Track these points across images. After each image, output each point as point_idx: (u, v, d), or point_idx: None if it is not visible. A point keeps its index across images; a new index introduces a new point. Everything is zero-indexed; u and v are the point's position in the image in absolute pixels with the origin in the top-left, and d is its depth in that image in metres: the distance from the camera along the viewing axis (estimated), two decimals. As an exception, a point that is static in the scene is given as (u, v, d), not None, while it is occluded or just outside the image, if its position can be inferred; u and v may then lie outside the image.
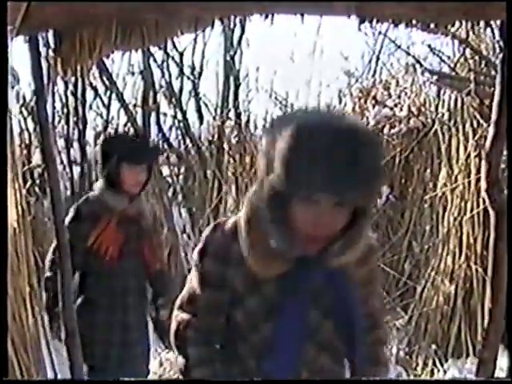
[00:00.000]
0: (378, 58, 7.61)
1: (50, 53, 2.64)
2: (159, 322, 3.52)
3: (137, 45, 2.38)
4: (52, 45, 2.67)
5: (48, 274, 3.36)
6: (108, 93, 8.15)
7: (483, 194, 2.54)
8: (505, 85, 2.43)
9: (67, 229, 2.99)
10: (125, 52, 2.50)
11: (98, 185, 3.34)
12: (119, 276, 3.31)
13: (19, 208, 2.55)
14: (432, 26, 2.28)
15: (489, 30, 4.55)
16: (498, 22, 2.52)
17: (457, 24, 2.60)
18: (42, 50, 3.32)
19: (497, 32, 2.80)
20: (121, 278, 3.32)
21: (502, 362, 2.74)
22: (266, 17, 2.24)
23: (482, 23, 2.93)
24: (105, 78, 6.53)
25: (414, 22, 2.19)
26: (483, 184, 2.51)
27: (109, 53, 2.44)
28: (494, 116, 2.47)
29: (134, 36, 2.37)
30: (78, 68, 2.65)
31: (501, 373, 2.76)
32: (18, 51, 2.88)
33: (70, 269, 2.57)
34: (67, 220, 3.14)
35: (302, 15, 2.31)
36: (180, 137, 7.37)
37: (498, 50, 2.63)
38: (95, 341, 3.12)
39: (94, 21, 2.35)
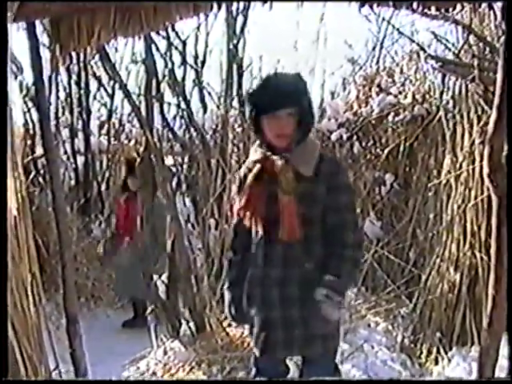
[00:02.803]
0: (381, 46, 7.58)
1: (49, 40, 2.63)
2: None
3: (135, 30, 2.36)
4: (50, 32, 2.65)
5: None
6: (111, 83, 8.16)
7: (485, 178, 2.52)
8: (505, 70, 2.41)
9: None
10: (124, 38, 2.48)
11: None
12: None
13: (19, 196, 2.54)
14: (433, 10, 2.25)
15: (492, 13, 4.51)
16: (500, 4, 2.50)
17: (459, 8, 2.55)
18: (42, 37, 3.31)
19: (499, 14, 2.78)
20: None
21: (505, 349, 2.72)
22: (265, 2, 2.21)
23: (483, 5, 2.89)
24: (108, 68, 6.51)
25: (414, 5, 2.17)
26: (485, 169, 2.49)
27: (107, 39, 2.42)
28: (496, 100, 2.44)
29: (132, 21, 2.35)
30: (78, 55, 2.63)
31: (504, 360, 2.74)
32: (19, 40, 2.86)
33: (71, 257, 2.56)
34: None
35: (302, 0, 2.29)
36: (184, 126, 7.36)
37: (500, 34, 2.61)
38: None
39: (91, 6, 2.33)
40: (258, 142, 3.00)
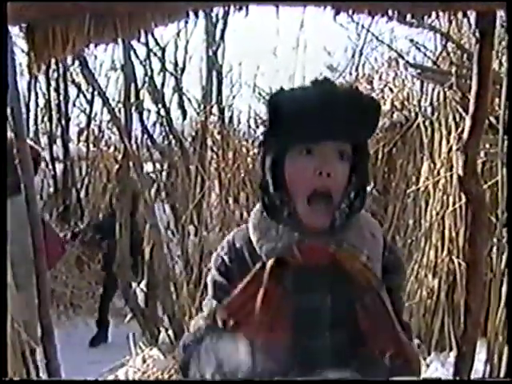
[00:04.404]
0: (360, 53, 7.61)
1: (24, 47, 2.61)
2: None
3: (110, 37, 2.33)
4: (25, 38, 2.63)
5: None
6: (91, 89, 8.12)
7: (460, 186, 2.54)
8: (482, 77, 2.43)
9: None
10: (100, 46, 2.45)
11: None
12: None
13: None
14: (408, 17, 2.26)
15: (466, 20, 4.55)
16: (474, 13, 2.52)
17: (437, 16, 2.57)
18: (19, 43, 3.28)
19: (473, 22, 2.80)
20: None
21: (481, 355, 2.74)
22: (240, 9, 2.21)
23: (459, 14, 2.93)
24: (86, 75, 6.48)
25: (389, 12, 2.18)
26: (460, 177, 2.51)
27: (82, 46, 2.40)
28: (471, 108, 2.46)
29: (107, 29, 2.33)
30: (57, 61, 2.61)
31: (479, 365, 2.75)
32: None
33: (45, 266, 2.53)
34: None
35: (277, 7, 2.28)
36: (163, 133, 7.34)
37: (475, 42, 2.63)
38: None
39: (66, 13, 2.31)
40: (260, 206, 1.64)
